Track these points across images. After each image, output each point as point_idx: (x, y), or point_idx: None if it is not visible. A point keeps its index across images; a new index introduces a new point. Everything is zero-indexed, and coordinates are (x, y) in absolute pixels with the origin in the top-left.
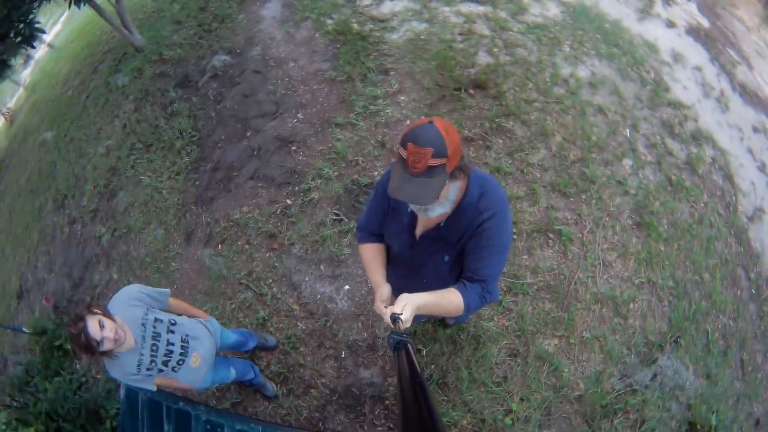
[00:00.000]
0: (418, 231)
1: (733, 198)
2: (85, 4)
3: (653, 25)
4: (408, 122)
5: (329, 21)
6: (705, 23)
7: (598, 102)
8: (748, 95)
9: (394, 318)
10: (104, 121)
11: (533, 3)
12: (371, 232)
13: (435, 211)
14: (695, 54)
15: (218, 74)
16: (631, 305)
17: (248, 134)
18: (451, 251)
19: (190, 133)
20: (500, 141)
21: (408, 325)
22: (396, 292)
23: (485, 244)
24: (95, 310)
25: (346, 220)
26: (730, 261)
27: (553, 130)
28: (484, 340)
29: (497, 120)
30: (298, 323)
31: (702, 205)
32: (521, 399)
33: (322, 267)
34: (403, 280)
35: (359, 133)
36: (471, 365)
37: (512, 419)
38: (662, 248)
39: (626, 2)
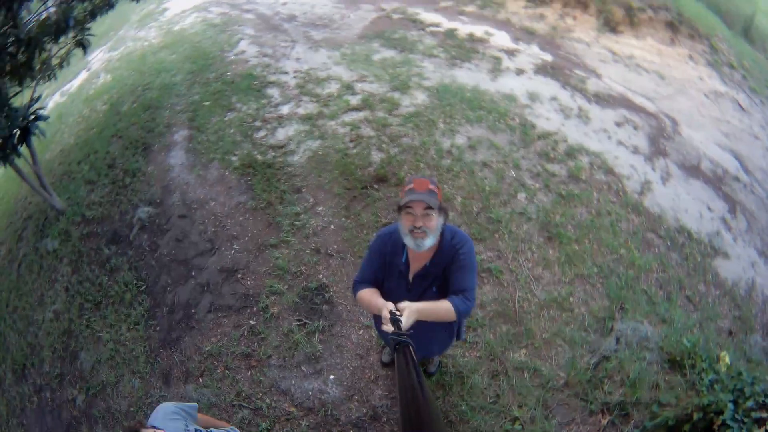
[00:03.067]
0: (411, 274)
1: (619, 184)
2: (6, 166)
3: (505, 79)
4: (332, 227)
5: (234, 158)
6: (549, 58)
7: (481, 158)
8: (603, 100)
9: (394, 318)
10: (44, 287)
11: (403, 97)
12: (366, 282)
13: (429, 241)
14: (548, 87)
15: (146, 225)
16: (571, 299)
17: (193, 273)
18: (437, 282)
19: (136, 284)
20: None
21: (409, 323)
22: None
23: (462, 266)
24: (146, 425)
25: (310, 322)
26: (638, 231)
27: (453, 195)
28: (466, 373)
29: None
30: (301, 422)
31: (595, 201)
32: (519, 406)
33: (303, 368)
34: None
35: (294, 248)
36: (465, 398)
37: (520, 424)
38: (576, 247)
39: (478, 69)
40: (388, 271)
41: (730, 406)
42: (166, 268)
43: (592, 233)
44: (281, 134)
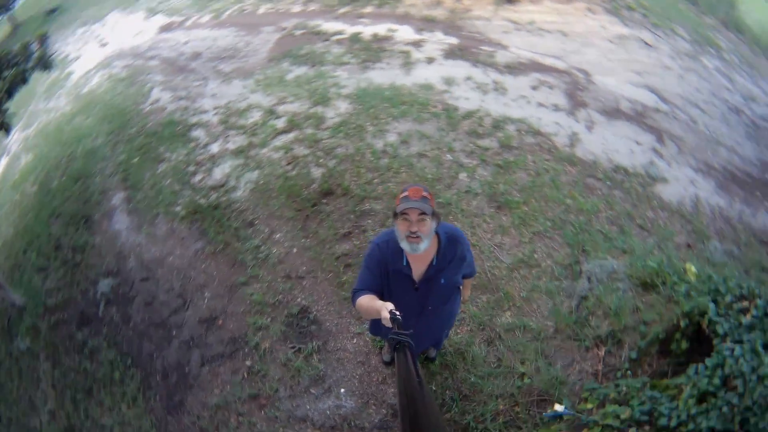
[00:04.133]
0: (416, 275)
1: (549, 143)
2: None
3: (418, 70)
4: (294, 250)
5: (178, 208)
6: (454, 41)
7: (416, 150)
8: (515, 69)
9: (395, 318)
10: (31, 390)
11: (326, 110)
12: (365, 290)
13: (424, 245)
14: (460, 69)
15: (111, 298)
16: (535, 255)
17: (174, 332)
18: (445, 274)
19: (120, 360)
20: (369, 221)
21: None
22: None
23: (469, 262)
24: None
25: (304, 345)
26: (578, 180)
27: (398, 191)
28: (464, 348)
29: (357, 209)
30: None
31: (531, 164)
32: (521, 362)
33: (312, 390)
34: (413, 320)
35: (264, 280)
36: (471, 370)
37: (528, 378)
38: (526, 209)
39: (390, 67)
40: (392, 277)
41: (711, 305)
42: (145, 336)
43: (537, 192)
44: (218, 173)
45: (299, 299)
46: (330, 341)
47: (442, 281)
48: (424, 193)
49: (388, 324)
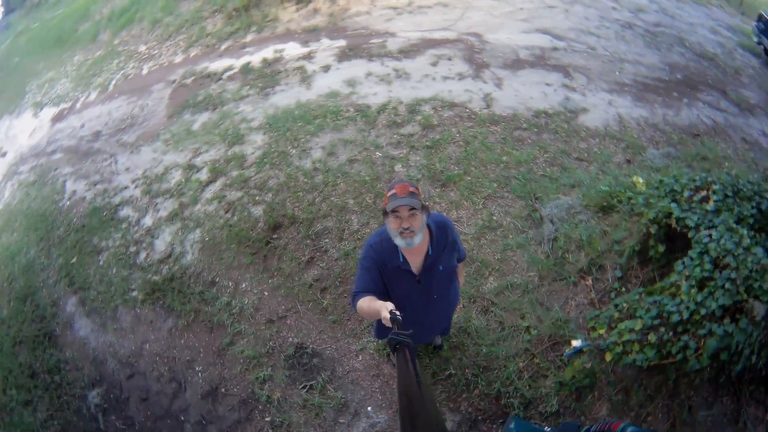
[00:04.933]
0: (415, 268)
1: (466, 110)
2: None
3: (319, 81)
4: (266, 293)
5: (134, 293)
6: (343, 43)
7: (345, 158)
8: (410, 51)
9: (395, 318)
10: None
11: (244, 147)
12: (364, 292)
13: (417, 239)
14: (358, 68)
15: (105, 407)
16: (494, 217)
17: (182, 417)
18: (442, 261)
19: None
20: (326, 240)
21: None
22: (417, 326)
23: (459, 245)
24: None
25: (314, 381)
26: (506, 136)
27: (343, 202)
28: (465, 325)
29: (310, 233)
30: None
31: (457, 135)
32: (521, 317)
33: (341, 420)
34: (422, 311)
35: (249, 332)
36: (479, 342)
37: (533, 329)
38: (468, 178)
39: (291, 86)
40: (392, 274)
41: (673, 205)
42: (155, 431)
43: (473, 160)
44: (160, 245)
45: (290, 339)
46: (337, 367)
47: (441, 268)
48: (411, 189)
49: (388, 324)
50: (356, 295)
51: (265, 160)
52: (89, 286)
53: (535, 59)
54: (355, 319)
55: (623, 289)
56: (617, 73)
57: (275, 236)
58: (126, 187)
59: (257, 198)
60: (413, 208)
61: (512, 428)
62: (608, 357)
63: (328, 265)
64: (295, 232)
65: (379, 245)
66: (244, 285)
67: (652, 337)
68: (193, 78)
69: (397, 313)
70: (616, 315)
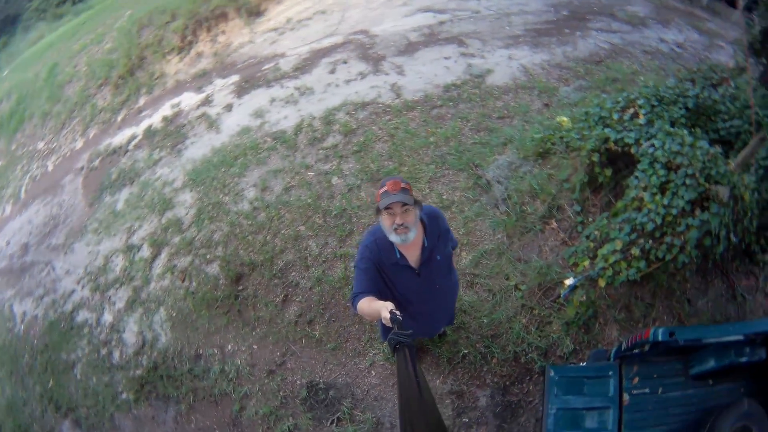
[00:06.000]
0: (413, 262)
1: (379, 105)
2: None
3: (225, 122)
4: (255, 347)
5: (124, 396)
6: (236, 77)
7: (280, 188)
8: (304, 67)
9: (395, 318)
10: None
11: (176, 210)
12: (364, 292)
13: (412, 234)
14: (260, 97)
15: None
16: (444, 196)
17: None
18: (439, 250)
19: None
20: (294, 273)
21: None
22: (426, 317)
23: (450, 237)
24: None
25: (338, 412)
26: (425, 118)
27: (295, 231)
28: (458, 306)
29: (274, 272)
30: None
31: (380, 132)
32: (506, 277)
33: None
34: (428, 304)
35: (254, 391)
36: (478, 316)
37: (521, 284)
38: (405, 169)
39: (200, 135)
40: (391, 271)
41: (607, 130)
42: None
43: (403, 151)
44: (130, 337)
45: (298, 381)
46: (355, 390)
47: (438, 258)
48: (403, 185)
49: (389, 324)
50: (356, 297)
51: (201, 216)
52: (76, 404)
53: (426, 38)
54: (353, 338)
55: (588, 220)
56: (507, 28)
57: (241, 288)
58: (73, 291)
59: (208, 257)
60: (406, 204)
61: (553, 376)
62: (602, 283)
63: (304, 297)
64: (260, 277)
65: (374, 244)
66: (229, 347)
67: (635, 251)
68: (99, 159)
69: (398, 313)
70: (591, 245)
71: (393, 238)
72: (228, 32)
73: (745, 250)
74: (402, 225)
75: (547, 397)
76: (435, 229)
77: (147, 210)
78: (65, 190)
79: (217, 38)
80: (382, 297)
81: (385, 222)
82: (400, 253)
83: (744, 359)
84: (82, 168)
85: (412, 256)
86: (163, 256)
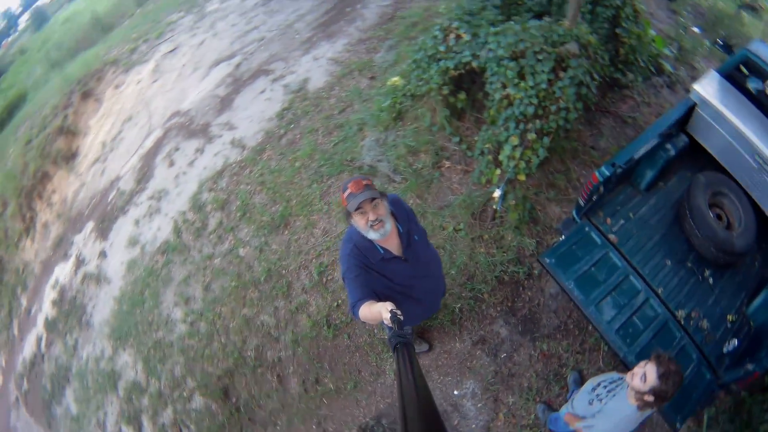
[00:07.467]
0: (396, 251)
1: (233, 166)
2: None
3: (104, 280)
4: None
5: None
6: (91, 224)
7: (200, 290)
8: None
9: (395, 318)
10: None
11: (125, 374)
12: (362, 299)
13: (388, 225)
14: (123, 228)
15: None
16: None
17: None
18: (414, 230)
19: None
20: (269, 352)
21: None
22: (430, 296)
23: (416, 220)
24: None
25: None
26: (282, 152)
27: (242, 319)
28: None
29: (252, 363)
30: None
31: (247, 187)
32: (441, 228)
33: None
34: (424, 283)
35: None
36: (452, 273)
37: (456, 225)
38: (293, 202)
39: (93, 296)
40: (379, 268)
41: (443, 63)
42: None
43: (280, 189)
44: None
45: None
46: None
47: (416, 238)
48: (365, 182)
49: (389, 323)
50: (355, 306)
51: (150, 364)
52: None
53: (234, 85)
54: (363, 365)
55: (474, 140)
56: (297, 36)
57: (234, 399)
58: None
59: (185, 394)
60: (374, 199)
61: (549, 261)
62: (522, 177)
63: (295, 362)
64: (243, 377)
65: (356, 249)
66: None
67: (531, 136)
68: (25, 379)
69: (398, 312)
70: (490, 157)
71: (372, 235)
72: (58, 188)
73: (610, 83)
74: (377, 220)
75: (560, 279)
76: (402, 212)
77: (100, 395)
78: (19, 429)
79: (52, 199)
80: (386, 294)
81: (359, 223)
82: (383, 248)
83: (672, 152)
84: (17, 399)
85: (394, 246)
86: (146, 424)
